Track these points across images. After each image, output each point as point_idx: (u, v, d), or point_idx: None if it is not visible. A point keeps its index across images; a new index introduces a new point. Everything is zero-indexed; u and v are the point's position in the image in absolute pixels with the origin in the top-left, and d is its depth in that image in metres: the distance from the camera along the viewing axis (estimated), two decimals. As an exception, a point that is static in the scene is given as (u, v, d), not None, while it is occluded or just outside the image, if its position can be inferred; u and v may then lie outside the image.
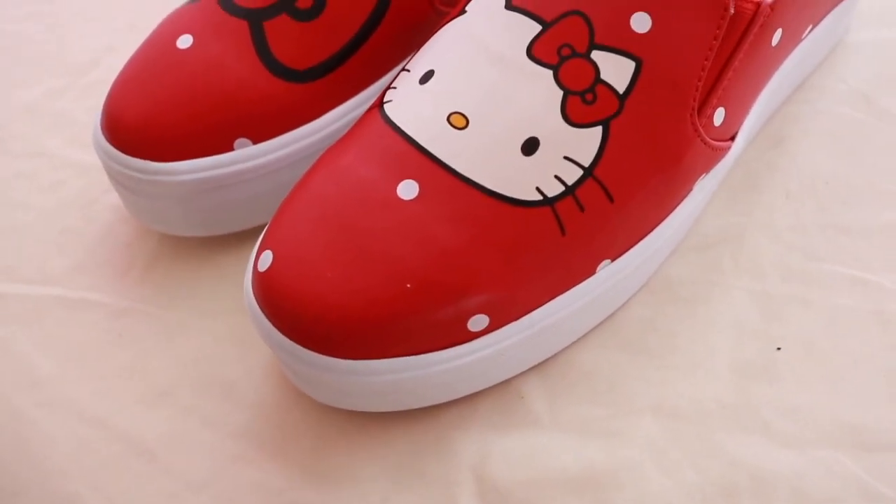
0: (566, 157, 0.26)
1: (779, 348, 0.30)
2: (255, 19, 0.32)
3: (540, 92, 0.26)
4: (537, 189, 0.26)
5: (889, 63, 0.37)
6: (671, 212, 0.29)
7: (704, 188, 0.30)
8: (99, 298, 0.34)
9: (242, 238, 0.34)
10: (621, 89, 0.26)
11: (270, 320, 0.26)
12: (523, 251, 0.26)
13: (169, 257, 0.35)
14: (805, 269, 0.32)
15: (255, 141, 0.32)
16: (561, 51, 0.26)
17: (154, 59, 0.32)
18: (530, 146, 0.26)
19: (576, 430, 0.29)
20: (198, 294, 0.34)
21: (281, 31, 0.31)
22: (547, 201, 0.26)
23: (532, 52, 0.27)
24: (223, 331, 0.33)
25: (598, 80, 0.26)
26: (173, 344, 0.33)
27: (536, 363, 0.30)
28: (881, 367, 0.30)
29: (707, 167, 0.29)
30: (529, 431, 0.29)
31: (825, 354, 0.30)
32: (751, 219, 0.33)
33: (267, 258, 0.26)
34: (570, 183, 0.26)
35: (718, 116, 0.28)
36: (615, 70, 0.26)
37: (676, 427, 0.29)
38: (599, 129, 0.26)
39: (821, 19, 0.34)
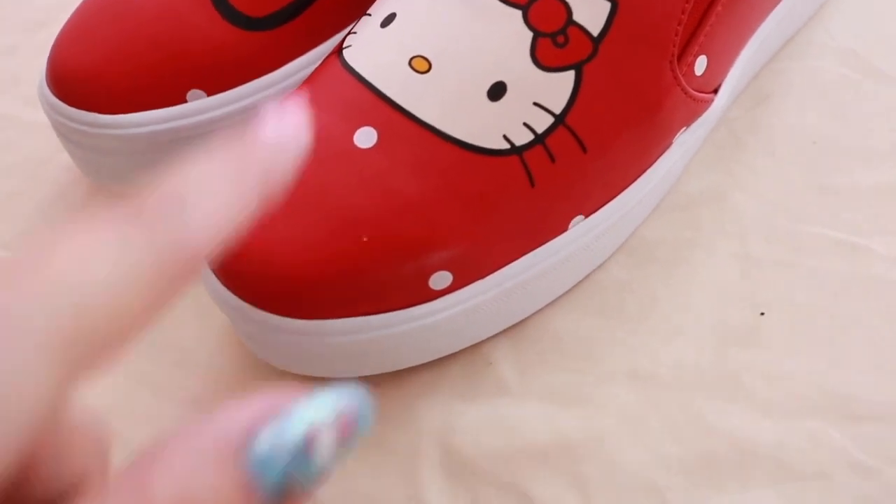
0: (536, 104, 0.24)
1: (763, 313, 0.29)
2: (209, -37, 0.30)
3: (508, 33, 0.24)
4: (504, 137, 0.24)
5: (879, 18, 0.35)
6: (649, 166, 0.27)
7: (685, 144, 0.29)
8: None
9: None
10: (595, 32, 0.24)
11: (219, 278, 0.24)
12: (489, 203, 0.24)
13: (122, 219, 0.33)
14: (791, 230, 0.30)
15: (210, 93, 0.30)
16: (531, -10, 0.25)
17: (102, 6, 0.30)
18: (497, 91, 0.24)
19: (547, 398, 0.27)
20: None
21: (237, -26, 0.29)
22: (515, 150, 0.24)
23: (500, -8, 0.25)
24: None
25: (570, 21, 0.24)
26: (124, 309, 0.31)
27: (506, 327, 0.28)
28: (870, 335, 0.28)
29: (688, 120, 0.27)
30: (498, 400, 0.27)
31: (811, 320, 0.28)
32: (734, 178, 0.31)
33: None
34: (539, 131, 0.24)
35: (700, 65, 0.27)
36: (589, 11, 0.24)
37: (654, 395, 0.27)
38: (572, 73, 0.24)
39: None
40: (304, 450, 0.12)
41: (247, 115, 0.30)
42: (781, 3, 0.31)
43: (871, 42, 0.34)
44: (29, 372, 0.10)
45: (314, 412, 0.12)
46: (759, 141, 0.32)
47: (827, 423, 0.27)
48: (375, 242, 0.23)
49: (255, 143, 0.14)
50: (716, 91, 0.29)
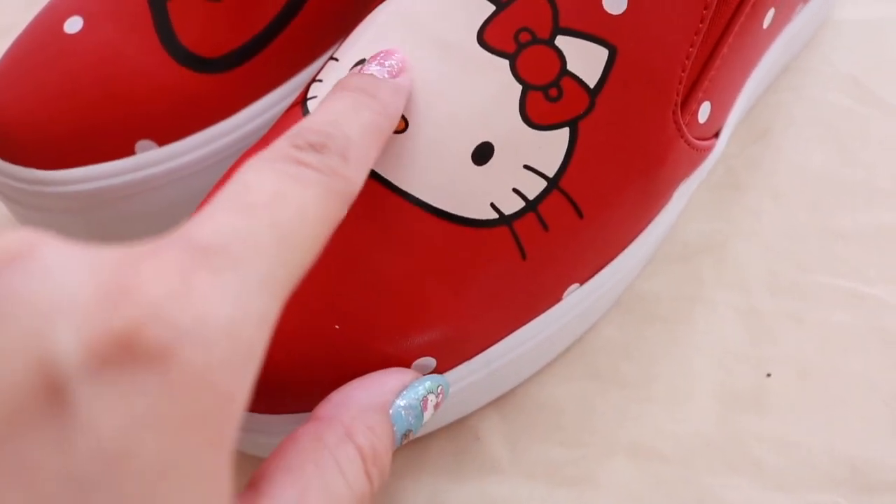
0: (526, 166, 0.22)
1: (769, 374, 0.27)
2: (156, -3, 0.27)
3: (494, 87, 0.22)
4: (492, 205, 0.21)
5: (880, 44, 0.33)
6: (648, 224, 0.25)
7: (684, 194, 0.26)
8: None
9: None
10: (592, 83, 0.22)
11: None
12: (476, 280, 0.21)
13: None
14: (796, 281, 0.28)
15: (161, 143, 0.27)
16: (519, 36, 0.22)
17: (38, 46, 0.27)
18: (483, 153, 0.21)
19: (540, 475, 0.25)
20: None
21: (186, 11, 0.26)
22: (504, 220, 0.21)
23: (484, 38, 0.22)
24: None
25: (563, 71, 0.22)
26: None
27: (494, 398, 0.26)
28: (883, 392, 0.26)
29: (689, 171, 0.25)
30: (487, 478, 0.25)
31: (821, 379, 0.27)
32: (734, 224, 0.29)
33: None
34: (531, 197, 0.22)
35: (703, 112, 0.24)
36: (584, 59, 0.22)
37: (655, 469, 0.25)
38: (566, 131, 0.22)
39: (811, -6, 0.30)
40: (420, 409, 0.19)
41: (201, 167, 0.28)
42: (781, 35, 0.29)
43: (871, 68, 0.32)
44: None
45: (426, 386, 0.19)
46: (758, 181, 0.30)
47: (839, 496, 0.25)
48: (351, 331, 0.20)
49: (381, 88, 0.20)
50: (717, 135, 0.26)
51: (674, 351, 0.27)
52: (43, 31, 0.27)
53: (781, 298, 0.28)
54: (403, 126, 0.22)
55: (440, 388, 0.20)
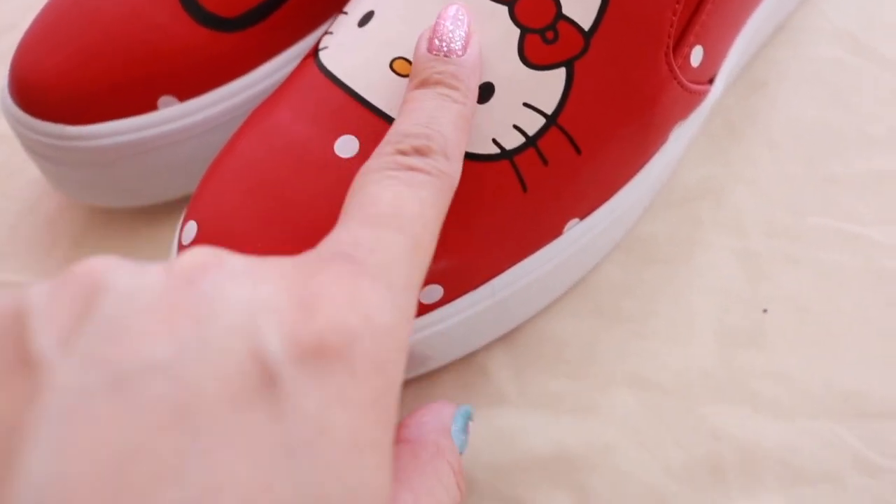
0: (526, 104, 0.23)
1: (765, 310, 0.28)
2: (176, -38, 0.28)
3: (494, 31, 0.23)
4: (494, 141, 0.23)
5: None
6: (646, 163, 0.26)
7: (681, 137, 0.27)
8: (23, 280, 0.31)
9: (176, 209, 0.31)
10: (586, 26, 0.23)
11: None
12: (480, 211, 0.23)
13: (97, 233, 0.32)
14: (791, 223, 0.29)
15: (182, 98, 0.28)
16: (517, -17, 0.23)
17: (65, 11, 0.28)
18: (484, 92, 0.23)
19: (546, 406, 0.26)
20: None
21: (205, -27, 0.28)
22: (505, 154, 0.23)
23: (484, -14, 0.23)
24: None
25: (559, 15, 0.23)
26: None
27: (501, 335, 0.27)
28: (876, 327, 0.27)
29: (684, 113, 0.26)
30: (495, 410, 0.26)
31: (815, 315, 0.28)
32: (732, 170, 0.30)
33: (191, 230, 0.23)
34: (531, 133, 0.23)
35: (696, 56, 0.25)
36: (579, 3, 0.23)
37: (656, 400, 0.26)
38: (563, 70, 0.23)
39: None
40: (465, 431, 0.22)
41: (220, 122, 0.29)
42: (775, -14, 0.30)
43: (868, 23, 0.33)
44: None
45: (465, 413, 0.22)
46: (755, 130, 0.31)
47: (835, 423, 0.26)
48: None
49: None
50: (711, 81, 0.27)
51: (673, 290, 0.28)
52: (70, -3, 0.29)
53: (777, 240, 0.29)
54: (409, 70, 0.23)
55: (471, 414, 0.23)
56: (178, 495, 0.12)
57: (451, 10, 0.22)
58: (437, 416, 0.22)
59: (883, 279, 0.28)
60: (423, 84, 0.21)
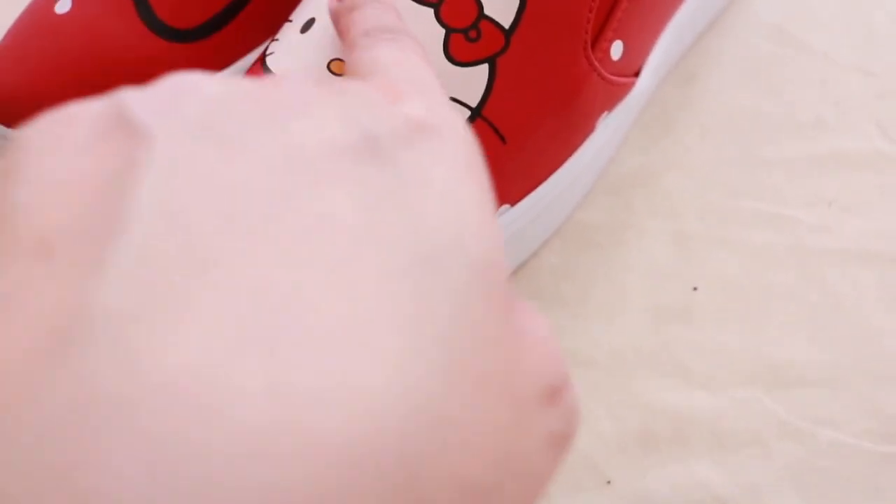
0: (452, 98, 0.25)
1: (695, 288, 0.29)
2: (135, -22, 0.30)
3: (421, 31, 0.25)
4: (423, 133, 0.24)
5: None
6: (573, 151, 0.28)
7: (609, 127, 0.29)
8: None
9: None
10: (507, 24, 0.25)
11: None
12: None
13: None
14: (721, 206, 0.31)
15: (143, 106, 0.30)
16: (442, -13, 0.25)
17: (31, 25, 0.30)
18: (413, 89, 0.24)
19: (490, 384, 0.28)
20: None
21: (161, -12, 0.30)
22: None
23: (412, -9, 0.25)
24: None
25: (481, 15, 0.25)
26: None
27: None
28: (798, 303, 0.29)
29: (609, 104, 0.28)
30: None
31: (742, 293, 0.29)
32: (665, 157, 0.32)
33: None
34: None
35: (616, 50, 0.27)
36: (499, 4, 0.25)
37: (592, 377, 0.28)
38: (486, 66, 0.25)
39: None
40: None
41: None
42: (701, -16, 0.31)
43: (794, 15, 0.35)
44: None
45: None
46: (689, 118, 0.33)
47: (760, 392, 0.28)
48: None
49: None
50: (637, 74, 0.29)
51: (608, 272, 0.30)
52: (37, 13, 0.31)
53: (708, 223, 0.31)
54: (345, 69, 0.25)
55: None
56: (293, 222, 0.12)
57: None
58: None
59: (807, 257, 0.30)
60: (353, 10, 0.21)
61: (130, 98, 0.14)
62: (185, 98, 0.14)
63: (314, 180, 0.13)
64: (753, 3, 0.35)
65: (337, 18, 0.22)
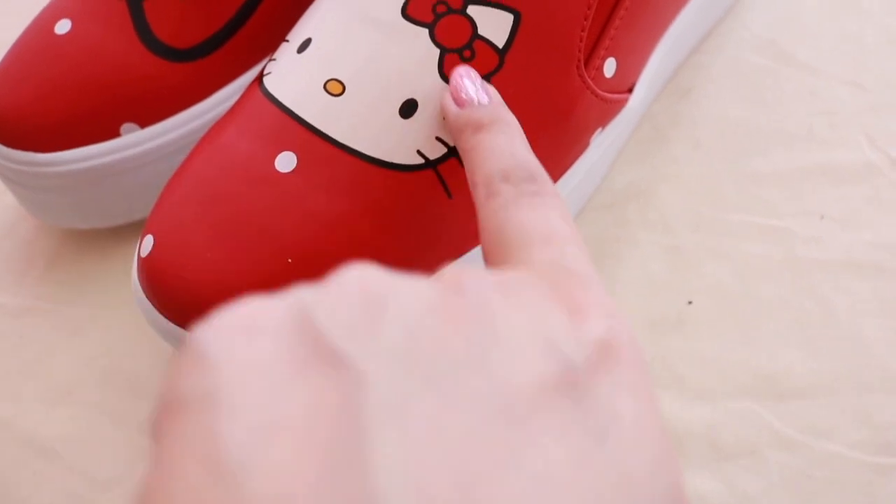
0: (447, 118, 0.25)
1: (690, 302, 0.30)
2: (134, -1, 0.30)
3: (416, 52, 0.25)
4: (418, 152, 0.25)
5: (792, 8, 0.36)
6: (568, 167, 0.28)
7: (603, 143, 0.30)
8: (1, 300, 0.33)
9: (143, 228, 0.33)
10: (500, 44, 0.25)
11: (155, 305, 0.25)
12: (408, 217, 0.25)
13: (72, 253, 0.34)
14: (715, 219, 0.31)
15: (143, 125, 0.30)
16: (436, 8, 0.25)
17: (32, 46, 0.31)
18: (409, 108, 0.25)
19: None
20: (101, 288, 0.33)
21: (160, 9, 0.30)
22: (429, 164, 0.25)
23: (407, 12, 0.26)
24: (127, 323, 0.32)
25: (475, 35, 0.25)
26: (76, 340, 0.32)
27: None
28: (792, 314, 0.29)
29: (602, 121, 0.28)
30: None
31: (737, 304, 0.30)
32: (659, 172, 0.32)
33: (148, 243, 0.25)
34: (452, 144, 0.25)
35: (609, 67, 0.28)
36: (493, 24, 0.25)
37: (589, 388, 0.28)
38: (480, 86, 0.25)
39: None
40: None
41: (179, 146, 0.31)
42: (692, 1, 0.32)
43: (785, 30, 0.36)
44: None
45: None
46: (681, 133, 0.33)
47: (755, 403, 0.28)
48: (299, 263, 0.24)
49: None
50: (630, 90, 0.30)
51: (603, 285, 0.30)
52: (37, 34, 0.31)
53: (701, 235, 0.31)
54: (341, 90, 0.25)
55: None
56: (515, 484, 0.12)
57: (460, 70, 0.24)
58: None
59: (799, 268, 0.30)
60: (479, 130, 0.22)
61: (316, 312, 0.14)
62: (379, 317, 0.14)
63: (530, 430, 0.13)
64: (745, 18, 0.36)
65: (457, 129, 0.23)
